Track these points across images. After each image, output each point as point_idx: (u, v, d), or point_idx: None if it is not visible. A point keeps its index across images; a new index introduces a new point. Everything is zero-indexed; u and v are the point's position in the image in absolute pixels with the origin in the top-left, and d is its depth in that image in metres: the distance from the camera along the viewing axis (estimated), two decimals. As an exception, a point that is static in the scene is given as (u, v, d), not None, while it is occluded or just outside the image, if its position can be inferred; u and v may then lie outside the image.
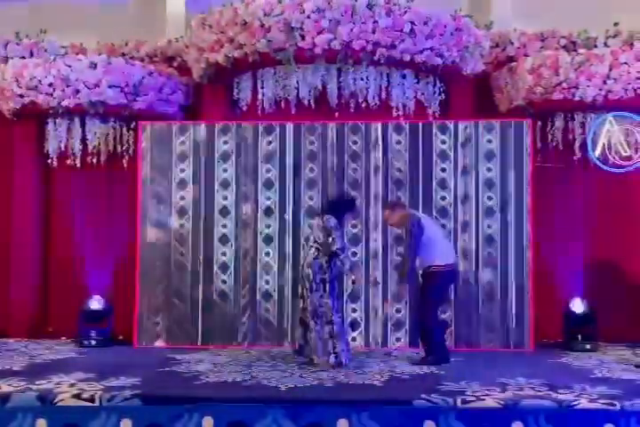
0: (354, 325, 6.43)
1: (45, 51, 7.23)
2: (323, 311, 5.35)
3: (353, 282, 6.10)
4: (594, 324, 6.25)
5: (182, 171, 6.59)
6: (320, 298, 5.36)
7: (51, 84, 6.57)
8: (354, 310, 6.45)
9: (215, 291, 6.50)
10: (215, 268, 6.51)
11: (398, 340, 6.40)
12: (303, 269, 5.50)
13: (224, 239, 6.54)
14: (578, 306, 6.33)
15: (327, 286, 5.40)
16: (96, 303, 6.59)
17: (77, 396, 4.29)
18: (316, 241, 5.47)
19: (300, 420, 4.17)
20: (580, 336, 6.22)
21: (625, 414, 4.09)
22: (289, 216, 6.50)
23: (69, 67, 6.57)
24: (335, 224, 5.42)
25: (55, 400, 4.26)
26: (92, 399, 4.26)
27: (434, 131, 6.52)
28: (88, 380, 4.74)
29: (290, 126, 6.56)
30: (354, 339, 6.33)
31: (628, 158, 6.42)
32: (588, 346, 6.15)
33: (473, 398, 4.23)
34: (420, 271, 5.63)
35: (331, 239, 5.37)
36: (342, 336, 5.44)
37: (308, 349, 5.43)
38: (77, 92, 6.55)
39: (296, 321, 5.70)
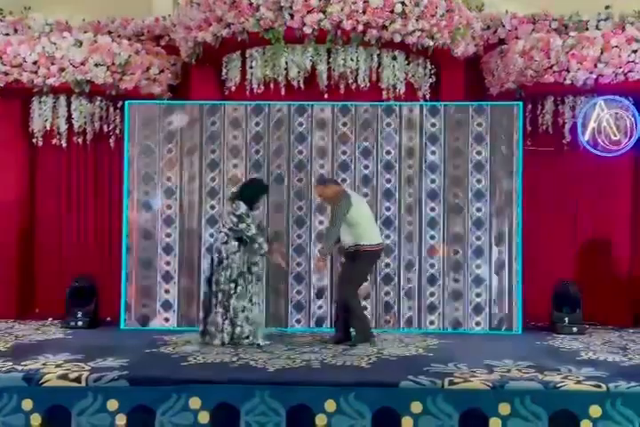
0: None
1: (30, 28, 7.11)
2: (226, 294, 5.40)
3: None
4: (581, 307, 6.28)
5: (170, 151, 6.52)
6: (227, 283, 5.40)
7: (35, 62, 6.46)
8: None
9: (203, 273, 6.46)
10: (203, 249, 6.47)
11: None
12: (212, 253, 5.53)
13: (212, 220, 6.50)
14: (565, 289, 6.35)
15: (234, 271, 5.40)
16: (81, 284, 6.52)
17: (64, 376, 4.27)
18: (224, 225, 5.53)
19: (287, 401, 4.18)
20: (566, 319, 6.24)
21: (610, 395, 4.13)
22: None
23: (54, 44, 6.46)
24: (245, 210, 5.44)
25: (41, 381, 4.24)
26: (78, 380, 4.23)
27: (424, 113, 6.48)
28: (75, 361, 4.71)
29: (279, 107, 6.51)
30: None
31: (617, 142, 6.43)
32: (574, 329, 6.18)
33: (460, 380, 4.25)
34: (346, 250, 5.62)
35: (245, 225, 5.39)
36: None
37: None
38: (62, 70, 6.45)
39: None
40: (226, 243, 5.45)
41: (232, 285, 5.41)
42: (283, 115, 6.49)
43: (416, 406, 4.14)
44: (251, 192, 5.57)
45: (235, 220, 5.44)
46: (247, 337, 5.42)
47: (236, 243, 5.45)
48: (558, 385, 4.19)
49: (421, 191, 6.45)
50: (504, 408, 4.13)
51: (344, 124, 6.51)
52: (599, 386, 4.16)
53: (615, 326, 6.51)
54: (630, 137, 6.42)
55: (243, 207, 5.44)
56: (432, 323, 6.37)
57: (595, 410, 4.11)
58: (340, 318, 5.69)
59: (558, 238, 6.89)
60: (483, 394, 4.16)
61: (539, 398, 4.14)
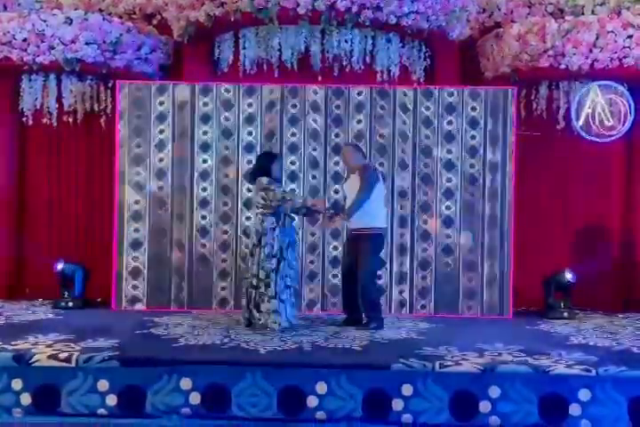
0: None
1: (19, 5, 6.99)
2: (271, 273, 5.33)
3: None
4: (572, 292, 6.30)
5: (161, 132, 6.46)
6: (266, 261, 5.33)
7: (25, 40, 6.34)
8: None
9: (195, 255, 6.44)
10: (194, 231, 6.44)
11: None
12: (250, 237, 5.46)
13: (204, 203, 6.46)
14: (557, 275, 6.37)
15: (274, 247, 5.34)
16: (72, 265, 6.48)
17: (54, 356, 4.25)
18: (257, 206, 5.46)
19: (278, 382, 4.18)
20: (561, 304, 6.27)
21: (600, 379, 4.16)
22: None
23: (44, 22, 6.34)
24: (268, 181, 5.39)
25: (31, 361, 4.22)
26: (68, 360, 4.22)
27: (418, 97, 6.44)
28: (65, 341, 4.69)
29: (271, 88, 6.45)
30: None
31: (611, 128, 6.42)
32: (565, 314, 6.21)
33: (451, 363, 4.26)
34: (356, 231, 5.53)
35: (272, 193, 5.34)
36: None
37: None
38: (52, 48, 6.35)
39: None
40: (262, 222, 5.38)
41: (273, 261, 5.34)
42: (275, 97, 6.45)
43: (407, 389, 4.16)
44: (264, 165, 5.51)
45: (263, 194, 5.38)
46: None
47: (273, 218, 5.37)
48: (548, 369, 4.22)
49: (415, 177, 6.44)
50: (494, 391, 4.16)
51: (337, 107, 6.46)
52: (589, 370, 4.19)
53: (605, 311, 6.55)
54: (624, 123, 6.41)
55: (264, 179, 5.39)
56: (424, 307, 6.38)
57: (584, 394, 4.14)
58: (352, 301, 5.61)
59: (550, 224, 6.90)
60: (473, 377, 4.18)
61: (529, 382, 4.17)
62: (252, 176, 5.56)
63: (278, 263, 5.35)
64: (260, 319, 5.35)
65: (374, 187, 5.46)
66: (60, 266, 6.44)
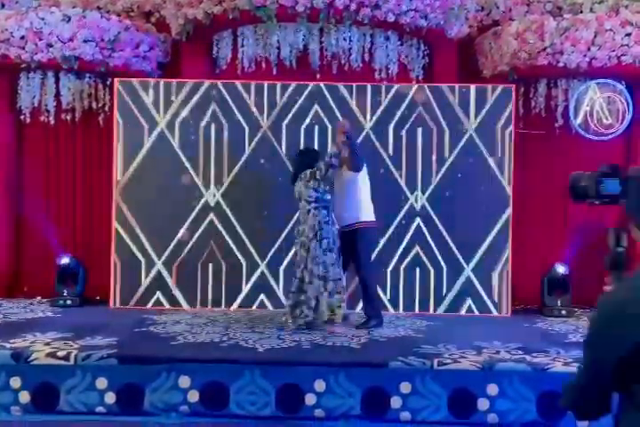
0: None
1: (17, 2, 6.97)
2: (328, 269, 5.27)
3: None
4: (569, 289, 6.31)
5: (160, 129, 6.45)
6: (324, 255, 5.27)
7: (23, 38, 6.32)
8: None
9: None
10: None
11: None
12: (305, 235, 5.31)
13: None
14: (555, 272, 6.38)
15: (330, 241, 5.30)
16: (70, 262, 6.48)
17: (52, 354, 4.25)
18: (309, 202, 5.33)
19: (276, 381, 4.19)
20: (555, 302, 6.27)
21: (598, 377, 4.16)
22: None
23: (42, 19, 6.32)
24: (310, 173, 5.34)
25: (30, 359, 4.22)
26: (67, 358, 4.22)
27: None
28: (63, 339, 4.69)
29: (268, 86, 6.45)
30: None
31: (610, 126, 6.43)
32: (563, 312, 6.22)
33: (449, 361, 4.27)
34: (348, 228, 5.48)
35: (318, 173, 5.27)
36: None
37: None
38: (50, 46, 6.33)
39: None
40: (316, 216, 5.30)
41: (332, 254, 5.29)
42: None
43: (405, 387, 4.17)
44: (306, 161, 5.45)
45: (312, 185, 5.30)
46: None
47: (325, 212, 5.32)
48: (546, 367, 4.23)
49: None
50: (492, 389, 4.17)
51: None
52: (587, 368, 4.19)
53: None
54: (622, 121, 6.41)
55: (308, 171, 5.35)
56: (421, 305, 6.38)
57: (582, 391, 4.14)
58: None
59: (549, 222, 6.90)
60: (471, 375, 4.20)
61: (527, 380, 4.19)
62: (296, 174, 5.45)
63: (335, 257, 5.31)
64: (322, 316, 5.25)
65: (363, 162, 5.40)
66: (61, 264, 6.43)
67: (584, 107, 6.41)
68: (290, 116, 6.42)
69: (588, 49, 6.20)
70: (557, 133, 6.65)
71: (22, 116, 6.71)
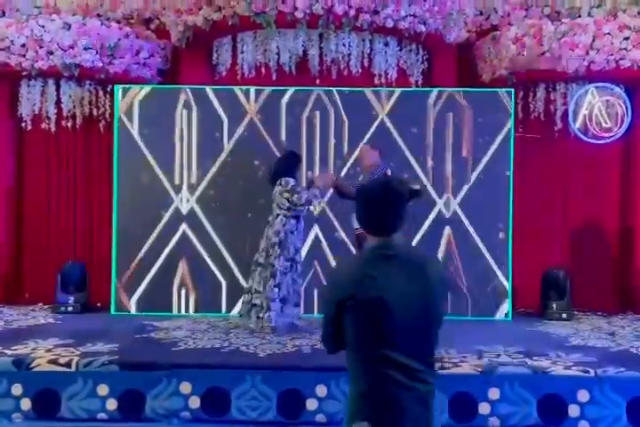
0: None
1: (18, 11, 6.98)
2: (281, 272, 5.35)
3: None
4: (570, 294, 6.30)
5: (160, 136, 6.46)
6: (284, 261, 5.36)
7: (23, 45, 6.36)
8: None
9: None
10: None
11: None
12: (268, 238, 5.41)
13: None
14: (555, 276, 6.38)
15: (291, 250, 5.38)
16: (71, 269, 6.49)
17: (54, 361, 4.26)
18: (280, 208, 5.40)
19: (278, 386, 4.20)
20: (555, 305, 6.27)
21: (599, 380, 4.17)
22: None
23: (43, 27, 6.36)
24: (294, 182, 5.41)
25: (31, 365, 4.23)
26: (68, 365, 4.23)
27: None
28: (65, 346, 4.70)
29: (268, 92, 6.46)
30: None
31: (608, 130, 6.44)
32: (563, 315, 6.21)
33: (450, 365, 4.27)
34: (357, 231, 5.53)
35: (297, 195, 5.33)
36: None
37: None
38: (51, 53, 6.36)
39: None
40: (284, 224, 5.37)
41: (287, 264, 5.36)
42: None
43: (406, 391, 4.16)
44: (290, 166, 5.50)
45: (288, 196, 5.34)
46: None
47: (295, 221, 5.40)
48: (547, 370, 4.23)
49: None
50: (493, 393, 4.18)
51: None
52: (587, 371, 4.21)
53: (604, 313, 6.56)
54: (621, 125, 6.42)
55: (291, 181, 5.39)
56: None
57: (583, 395, 4.16)
58: None
59: (548, 225, 6.90)
60: (472, 379, 4.20)
61: (528, 383, 4.19)
62: (275, 177, 5.49)
63: (291, 267, 5.39)
64: (259, 322, 5.36)
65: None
66: (62, 270, 6.44)
67: (583, 110, 6.42)
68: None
69: (587, 53, 6.22)
70: (556, 137, 6.67)
71: (23, 124, 6.74)
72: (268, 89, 6.38)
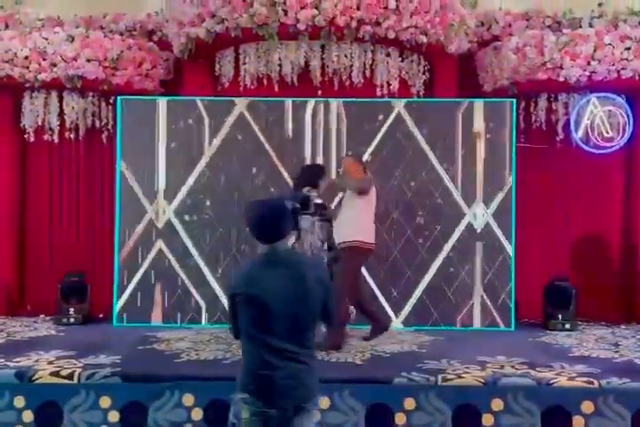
0: None
1: (21, 23, 7.02)
2: None
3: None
4: (574, 304, 6.28)
5: (163, 147, 6.49)
6: None
7: (27, 57, 6.39)
8: None
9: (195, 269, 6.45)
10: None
11: None
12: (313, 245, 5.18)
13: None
14: (558, 286, 6.36)
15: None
16: (73, 280, 6.49)
17: (56, 373, 4.25)
18: (313, 215, 5.12)
19: (280, 397, 4.17)
20: (559, 316, 6.25)
21: (603, 391, 4.15)
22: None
23: (46, 39, 6.40)
24: (318, 197, 5.27)
25: (34, 378, 4.22)
26: (70, 377, 4.22)
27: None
28: (67, 357, 4.69)
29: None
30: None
31: (610, 140, 6.45)
32: (566, 325, 6.19)
33: (453, 376, 4.26)
34: (342, 245, 5.32)
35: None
36: None
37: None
38: (54, 65, 6.40)
39: None
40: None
41: None
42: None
43: (409, 403, 4.15)
44: (314, 179, 5.35)
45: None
46: None
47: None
48: (551, 381, 4.22)
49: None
50: (497, 404, 4.15)
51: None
52: (591, 382, 4.19)
53: (607, 323, 6.53)
54: (623, 134, 6.44)
55: (314, 195, 5.18)
56: (425, 320, 6.36)
57: (587, 406, 4.13)
58: (364, 312, 5.57)
59: (551, 235, 6.89)
60: (476, 390, 4.19)
61: (531, 395, 4.17)
62: (299, 187, 5.30)
63: None
64: None
65: (368, 191, 5.37)
66: (64, 282, 6.44)
67: (585, 120, 6.44)
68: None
69: (588, 63, 6.24)
70: (558, 147, 6.67)
71: (26, 135, 6.76)
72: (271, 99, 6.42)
